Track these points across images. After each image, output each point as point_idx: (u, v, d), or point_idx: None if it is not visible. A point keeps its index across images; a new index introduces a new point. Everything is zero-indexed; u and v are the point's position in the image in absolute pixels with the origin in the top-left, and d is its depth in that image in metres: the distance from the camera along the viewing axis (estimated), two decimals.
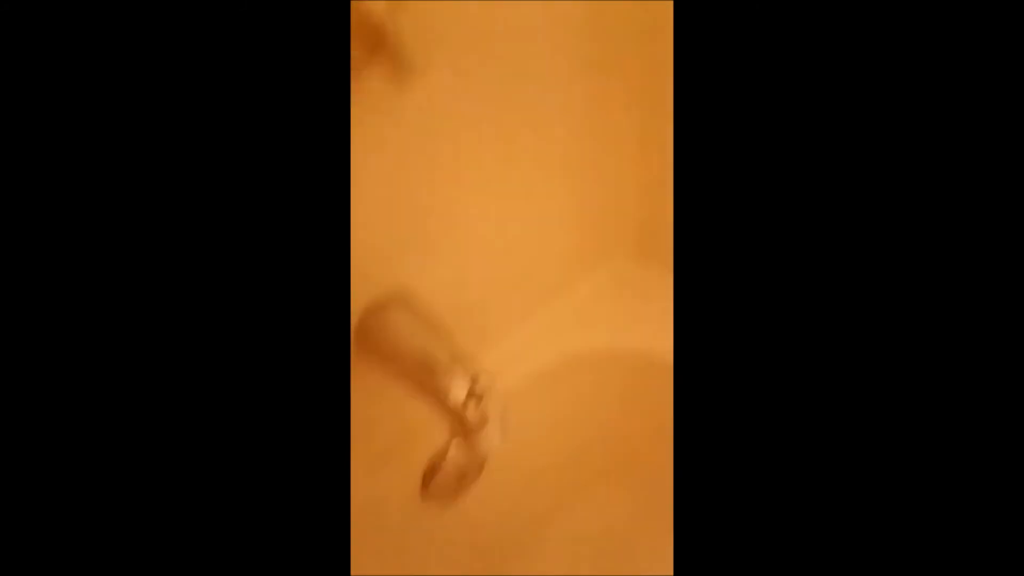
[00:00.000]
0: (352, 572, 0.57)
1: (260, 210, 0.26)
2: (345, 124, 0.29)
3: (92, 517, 0.25)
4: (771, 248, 0.26)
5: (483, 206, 0.55)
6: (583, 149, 0.61)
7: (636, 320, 0.68)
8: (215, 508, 0.26)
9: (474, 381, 0.40)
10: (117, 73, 0.25)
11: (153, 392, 0.25)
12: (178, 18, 0.25)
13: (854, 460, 0.26)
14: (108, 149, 0.25)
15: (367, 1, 0.36)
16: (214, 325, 0.26)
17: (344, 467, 0.28)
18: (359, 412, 0.53)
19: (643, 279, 0.72)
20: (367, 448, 0.57)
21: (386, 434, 0.58)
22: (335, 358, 0.27)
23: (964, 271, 0.25)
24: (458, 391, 0.40)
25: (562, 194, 0.62)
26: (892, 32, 0.25)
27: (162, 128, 0.25)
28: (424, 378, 0.41)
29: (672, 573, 0.63)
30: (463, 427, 0.40)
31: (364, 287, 0.47)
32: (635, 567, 0.73)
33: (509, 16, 0.47)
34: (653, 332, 0.66)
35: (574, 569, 0.74)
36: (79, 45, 0.24)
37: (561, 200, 0.62)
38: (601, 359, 0.68)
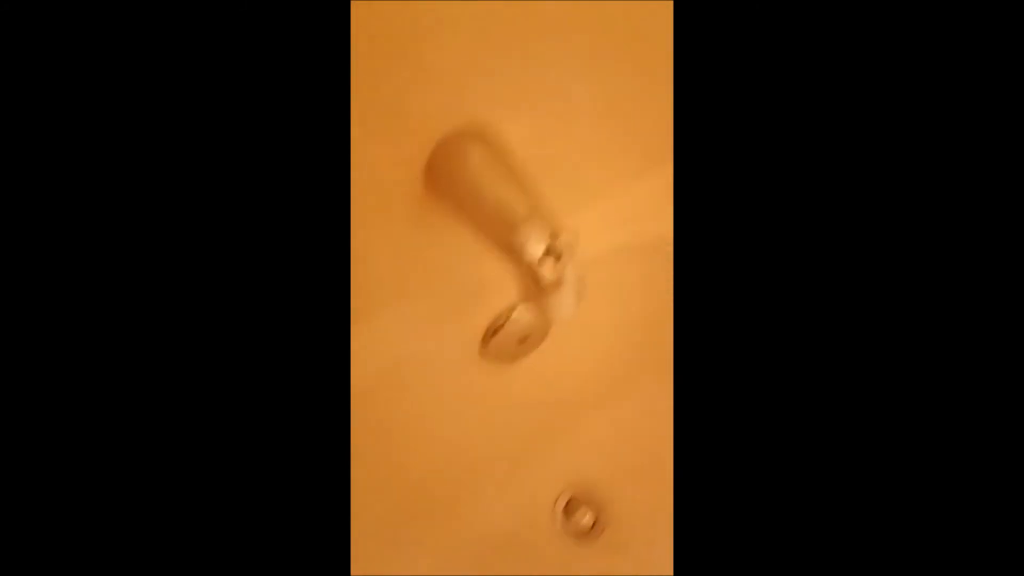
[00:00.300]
0: (398, 426, 0.57)
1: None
2: None
3: (84, 509, 0.25)
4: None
5: (578, 69, 0.48)
6: None
7: None
8: (211, 500, 0.25)
9: (554, 238, 0.35)
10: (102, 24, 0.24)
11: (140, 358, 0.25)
12: None
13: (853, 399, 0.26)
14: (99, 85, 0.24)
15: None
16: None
17: (344, 465, 0.27)
18: (423, 257, 0.50)
19: None
20: (428, 297, 0.54)
21: (451, 285, 0.55)
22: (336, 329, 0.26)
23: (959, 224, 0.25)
24: (535, 246, 0.36)
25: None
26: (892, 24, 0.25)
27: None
28: (499, 228, 0.37)
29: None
30: (536, 286, 0.36)
31: (440, 118, 0.42)
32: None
33: None
34: None
35: (618, 450, 0.73)
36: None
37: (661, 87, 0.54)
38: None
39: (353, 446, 0.53)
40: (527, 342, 0.62)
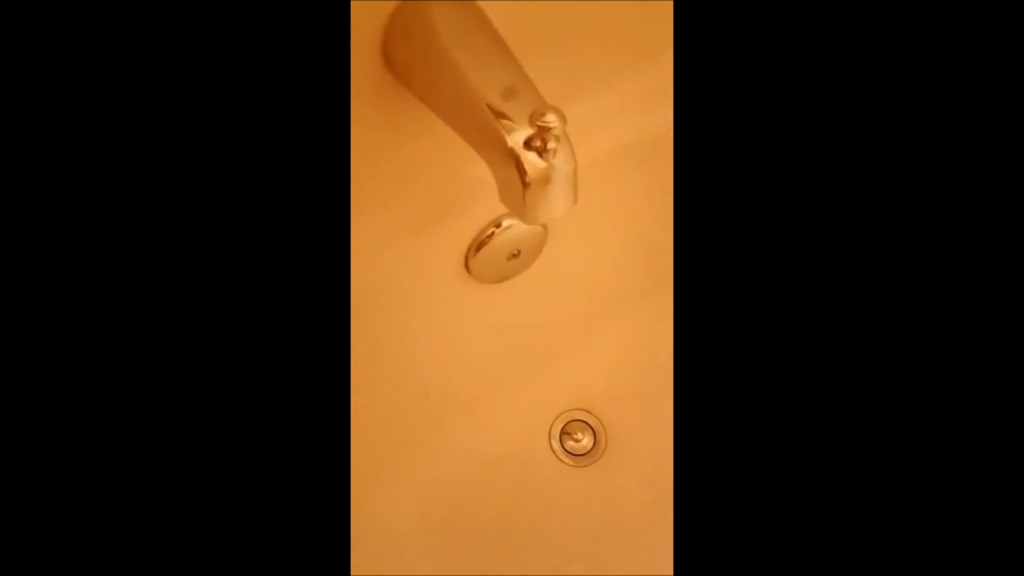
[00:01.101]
0: (382, 350, 0.53)
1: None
2: None
3: (79, 506, 0.25)
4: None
5: None
6: None
7: None
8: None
9: (538, 116, 0.29)
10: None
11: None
12: None
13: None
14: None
15: None
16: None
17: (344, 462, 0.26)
18: (389, 156, 0.44)
19: None
20: (405, 203, 0.49)
21: (425, 192, 0.49)
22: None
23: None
24: (518, 131, 0.30)
25: None
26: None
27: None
28: (471, 111, 0.31)
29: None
30: (520, 178, 0.30)
31: None
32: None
33: None
34: None
35: (618, 370, 0.69)
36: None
37: None
38: None
39: None
40: (519, 258, 0.57)
